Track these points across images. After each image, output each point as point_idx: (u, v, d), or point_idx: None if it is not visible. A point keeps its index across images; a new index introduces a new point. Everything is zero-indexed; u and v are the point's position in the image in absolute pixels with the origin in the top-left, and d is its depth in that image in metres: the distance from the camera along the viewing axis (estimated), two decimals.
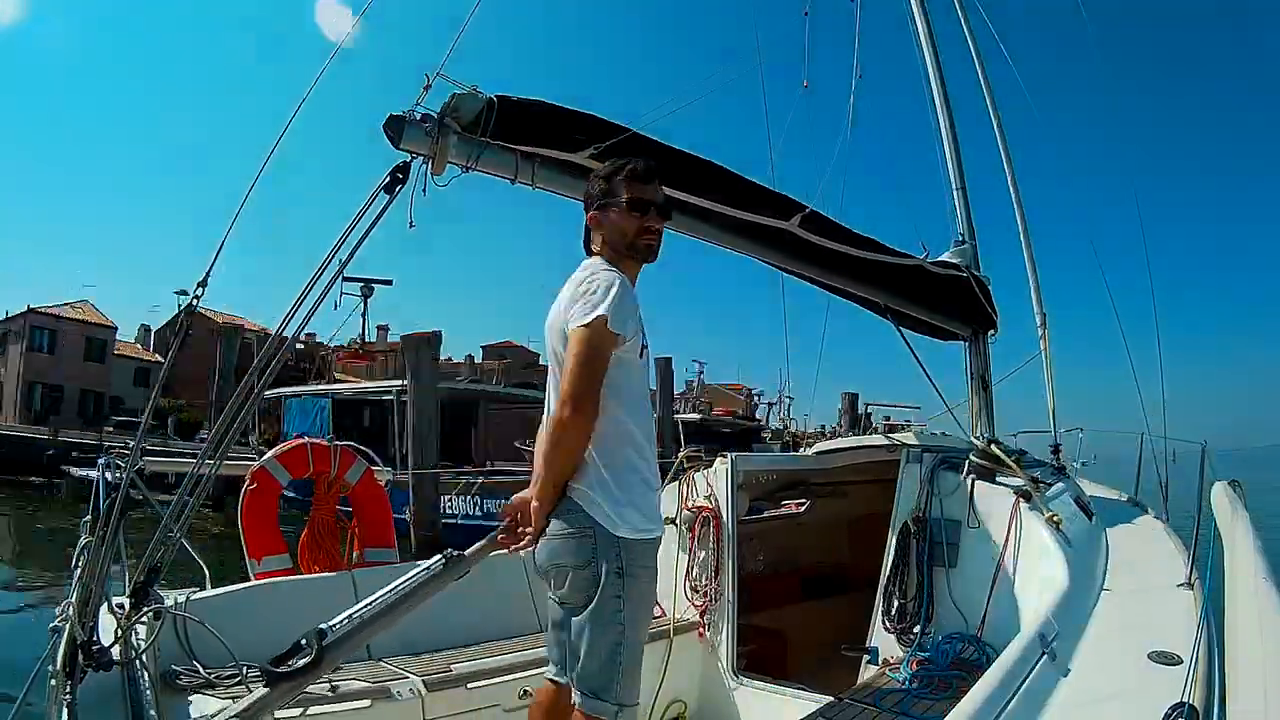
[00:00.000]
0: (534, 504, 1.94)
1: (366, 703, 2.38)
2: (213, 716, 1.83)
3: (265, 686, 1.65)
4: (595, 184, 2.10)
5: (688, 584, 3.40)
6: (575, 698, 1.91)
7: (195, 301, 2.30)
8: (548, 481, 1.92)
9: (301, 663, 1.65)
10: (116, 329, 42.05)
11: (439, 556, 1.95)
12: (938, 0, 5.80)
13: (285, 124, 2.51)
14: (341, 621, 1.73)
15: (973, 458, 3.17)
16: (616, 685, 1.88)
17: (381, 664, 2.71)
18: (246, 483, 4.36)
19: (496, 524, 2.08)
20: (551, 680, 2.05)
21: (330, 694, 2.30)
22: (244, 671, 2.22)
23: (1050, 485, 3.42)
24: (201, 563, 3.32)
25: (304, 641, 1.67)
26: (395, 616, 1.86)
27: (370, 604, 1.79)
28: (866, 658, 2.94)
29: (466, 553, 1.97)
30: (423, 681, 2.56)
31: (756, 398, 37.39)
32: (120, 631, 2.00)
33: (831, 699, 2.49)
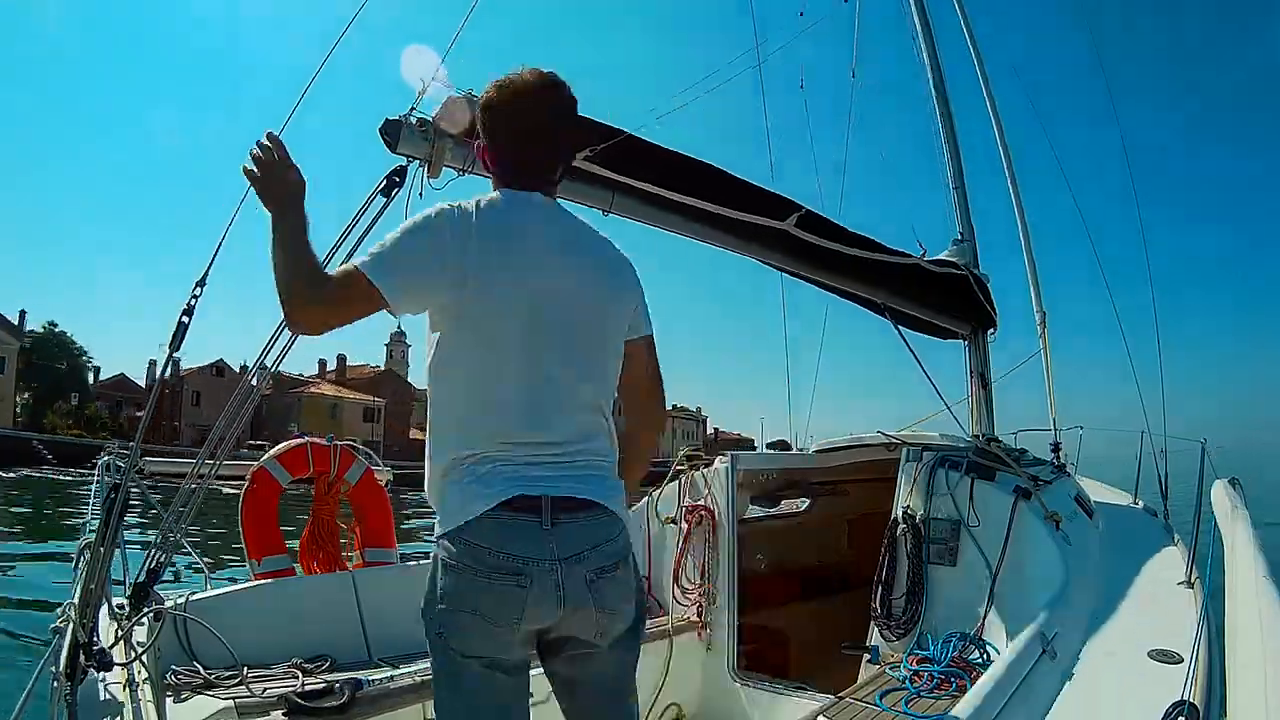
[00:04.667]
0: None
1: None
2: None
3: (284, 714, 1.65)
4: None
5: (676, 587, 3.42)
6: None
7: (194, 301, 2.26)
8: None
9: (326, 704, 1.66)
10: None
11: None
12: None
13: (286, 120, 2.51)
14: (381, 680, 1.74)
15: (972, 456, 3.17)
16: None
17: (382, 664, 2.71)
18: (246, 483, 4.35)
19: None
20: None
21: None
22: (244, 672, 2.22)
23: (1050, 484, 3.42)
24: (201, 563, 3.32)
25: (337, 686, 1.67)
26: (429, 697, 1.88)
27: (410, 675, 1.79)
28: (867, 657, 2.93)
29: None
30: (423, 681, 2.56)
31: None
32: (120, 632, 2.00)
33: (831, 698, 2.49)
